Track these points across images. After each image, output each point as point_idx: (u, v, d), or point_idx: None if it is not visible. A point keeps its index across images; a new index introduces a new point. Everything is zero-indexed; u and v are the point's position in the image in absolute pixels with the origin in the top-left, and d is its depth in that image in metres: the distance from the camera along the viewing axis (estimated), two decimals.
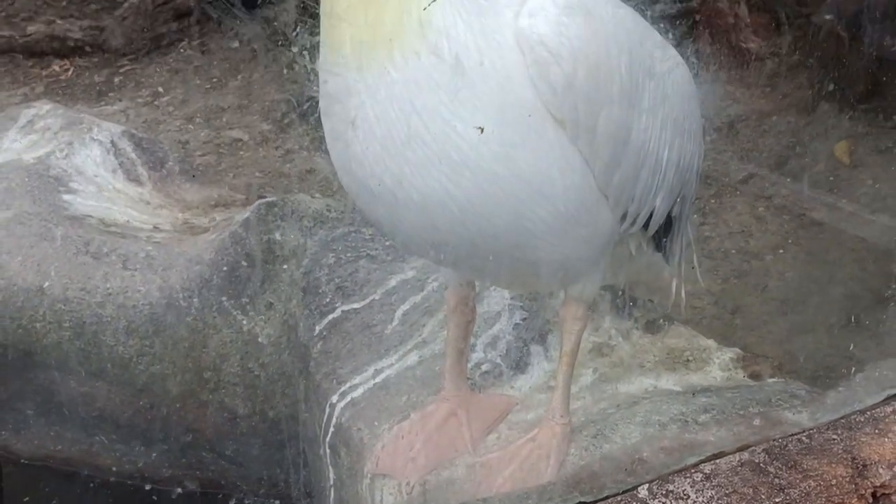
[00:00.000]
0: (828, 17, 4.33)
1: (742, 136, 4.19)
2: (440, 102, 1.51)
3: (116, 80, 5.56)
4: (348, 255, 2.80)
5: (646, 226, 1.90)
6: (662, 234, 2.05)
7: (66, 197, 3.26)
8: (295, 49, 5.35)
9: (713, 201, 3.89)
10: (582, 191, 1.66)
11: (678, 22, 4.68)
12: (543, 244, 1.68)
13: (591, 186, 1.67)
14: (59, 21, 5.97)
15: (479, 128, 1.50)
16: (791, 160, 4.08)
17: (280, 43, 5.49)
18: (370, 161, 1.58)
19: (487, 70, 1.52)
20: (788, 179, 4.00)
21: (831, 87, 4.28)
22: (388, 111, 1.53)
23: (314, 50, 4.95)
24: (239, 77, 5.41)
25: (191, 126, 5.02)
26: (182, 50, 5.68)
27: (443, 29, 1.48)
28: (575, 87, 1.56)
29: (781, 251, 3.70)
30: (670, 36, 4.61)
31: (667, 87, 1.76)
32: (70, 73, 5.71)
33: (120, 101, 5.36)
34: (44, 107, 3.69)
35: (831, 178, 4.00)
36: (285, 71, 5.33)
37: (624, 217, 1.80)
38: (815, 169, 4.02)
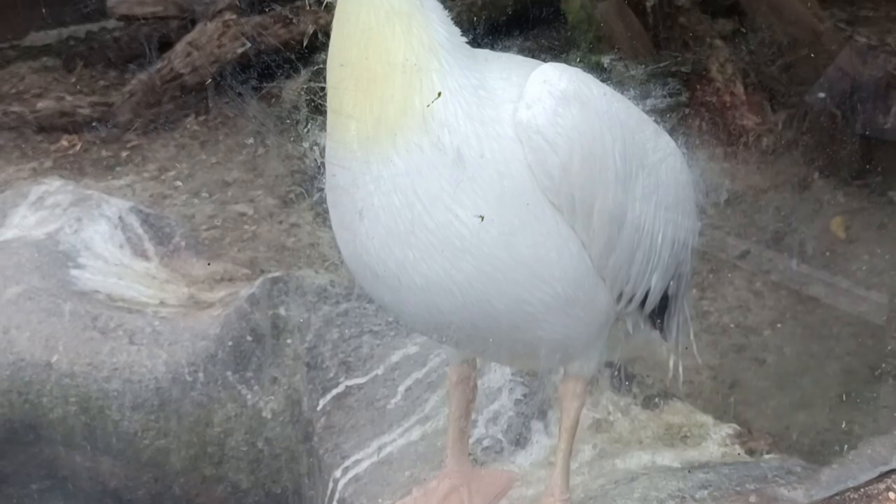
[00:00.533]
0: (820, 95, 4.44)
1: (739, 212, 4.27)
2: (442, 191, 1.57)
3: (124, 154, 5.67)
4: (352, 330, 2.84)
5: (642, 304, 1.95)
6: (659, 311, 2.10)
7: (74, 272, 3.32)
8: (299, 126, 5.47)
9: (711, 276, 3.95)
10: (579, 273, 1.71)
11: (676, 100, 4.80)
12: (543, 325, 1.73)
13: (588, 269, 1.73)
14: (68, 97, 6.11)
15: (480, 216, 1.56)
16: (787, 236, 4.15)
17: (285, 119, 5.61)
18: (376, 247, 1.64)
19: (488, 160, 1.59)
20: (785, 255, 4.07)
21: (825, 163, 4.37)
22: (393, 200, 1.59)
23: (317, 127, 5.07)
24: (244, 152, 5.52)
25: (196, 200, 5.11)
26: (188, 125, 5.80)
27: (445, 122, 1.56)
28: (571, 175, 1.62)
29: (779, 326, 3.74)
30: (668, 114, 4.74)
31: (660, 173, 1.83)
32: (78, 147, 5.82)
33: (127, 175, 5.45)
34: (54, 183, 3.76)
35: (827, 254, 4.07)
36: (290, 146, 5.44)
37: (620, 297, 1.85)
38: (812, 244, 4.08)
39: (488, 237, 1.60)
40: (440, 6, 1.65)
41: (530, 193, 1.62)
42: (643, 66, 4.92)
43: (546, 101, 1.61)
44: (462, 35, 1.67)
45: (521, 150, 1.61)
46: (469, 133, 1.57)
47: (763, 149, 4.52)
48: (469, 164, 1.57)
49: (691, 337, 2.30)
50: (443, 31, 1.60)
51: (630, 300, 1.88)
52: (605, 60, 4.88)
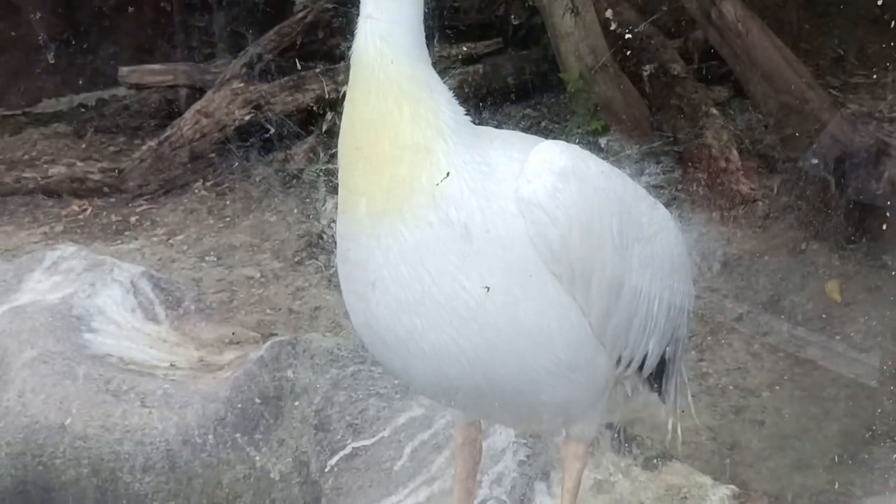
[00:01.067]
0: (813, 161, 4.56)
1: (736, 276, 4.36)
2: (449, 264, 1.67)
3: (133, 219, 5.78)
4: (358, 392, 2.92)
5: (640, 368, 2.03)
6: (657, 374, 2.18)
7: (87, 336, 3.40)
8: (304, 191, 5.59)
9: (710, 338, 4.03)
10: (580, 339, 1.80)
11: (673, 168, 4.92)
12: (545, 389, 1.81)
13: (588, 335, 1.81)
14: (79, 163, 6.24)
15: (486, 287, 1.65)
16: (784, 299, 4.23)
17: (290, 184, 5.74)
18: (386, 316, 1.73)
19: (492, 234, 1.68)
20: (782, 317, 4.15)
21: (820, 228, 4.47)
22: (402, 272, 1.68)
23: (321, 192, 5.17)
24: (251, 216, 5.62)
25: (204, 264, 5.21)
26: (197, 190, 5.92)
27: (451, 199, 1.65)
28: (571, 247, 1.72)
29: (777, 387, 3.81)
30: (665, 185, 4.85)
31: (655, 244, 1.92)
32: (88, 212, 5.93)
33: (136, 239, 5.56)
34: (68, 249, 3.85)
35: (823, 316, 4.15)
36: (295, 211, 5.56)
37: (619, 361, 1.94)
38: (808, 307, 4.16)
39: (493, 307, 1.69)
40: (445, 88, 1.76)
41: (532, 265, 1.71)
42: (641, 135, 5.06)
43: (546, 177, 1.71)
44: (466, 114, 1.78)
45: (523, 223, 1.70)
46: (474, 208, 1.67)
47: (759, 213, 4.63)
48: (475, 238, 1.67)
49: (689, 399, 2.37)
50: (448, 111, 1.71)
51: (629, 364, 1.96)
52: (603, 129, 5.03)
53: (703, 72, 5.91)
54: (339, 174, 1.78)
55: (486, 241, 1.68)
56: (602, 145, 5.22)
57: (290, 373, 3.14)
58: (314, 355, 3.18)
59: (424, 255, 1.67)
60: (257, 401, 3.08)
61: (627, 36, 5.29)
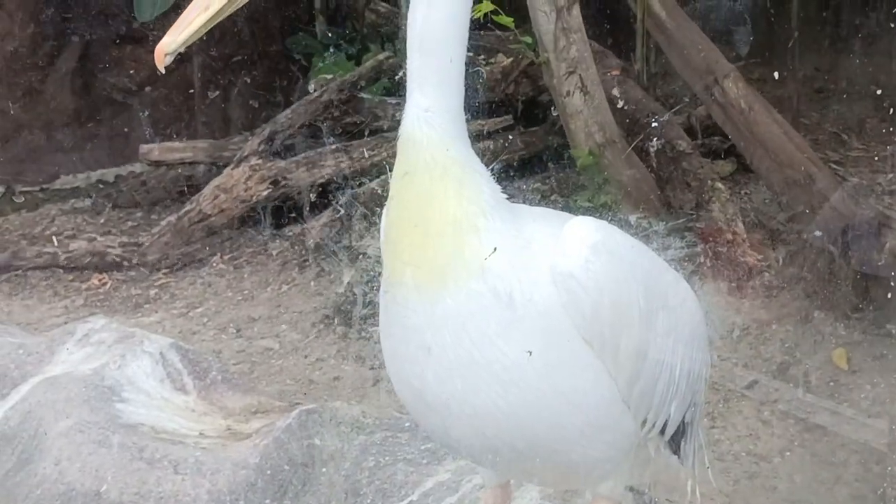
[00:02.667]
0: (817, 233, 4.71)
1: (745, 345, 4.47)
2: (490, 331, 1.80)
3: (152, 292, 5.91)
4: (386, 458, 3.03)
5: (663, 430, 2.14)
6: (677, 437, 2.30)
7: (119, 406, 3.51)
8: (321, 264, 5.73)
9: (721, 406, 4.13)
10: (609, 401, 1.92)
11: (681, 240, 5.07)
12: (576, 447, 1.92)
13: (616, 397, 1.93)
14: (99, 238, 6.39)
15: (529, 352, 1.78)
16: (792, 367, 4.35)
17: (307, 258, 5.88)
18: (429, 379, 1.86)
19: (530, 303, 1.81)
20: (791, 385, 4.25)
21: (825, 298, 4.60)
22: (446, 337, 1.81)
23: (340, 265, 5.29)
24: (269, 289, 5.75)
25: (224, 336, 5.32)
26: (215, 264, 6.06)
27: (492, 271, 1.79)
28: (601, 315, 1.85)
29: (788, 453, 3.90)
30: (674, 253, 4.98)
31: (678, 314, 2.05)
32: (108, 286, 6.06)
33: (156, 312, 5.68)
34: (99, 321, 3.99)
35: (831, 384, 4.26)
36: (312, 284, 5.69)
37: (644, 423, 2.05)
38: (815, 375, 4.28)
39: (532, 371, 1.82)
40: (484, 168, 1.91)
41: (566, 332, 1.84)
42: (649, 209, 5.22)
43: (579, 250, 1.85)
44: (502, 192, 1.93)
45: (558, 293, 1.83)
46: (513, 279, 1.81)
47: (766, 284, 4.76)
48: (513, 307, 1.80)
49: (706, 461, 2.48)
50: (488, 190, 1.86)
51: (652, 426, 2.08)
52: (612, 203, 5.18)
53: (709, 146, 6.12)
54: (385, 246, 1.92)
55: (523, 310, 1.81)
56: (609, 219, 5.38)
57: (317, 440, 3.25)
58: (340, 423, 3.29)
59: (467, 322, 1.80)
60: (286, 467, 3.18)
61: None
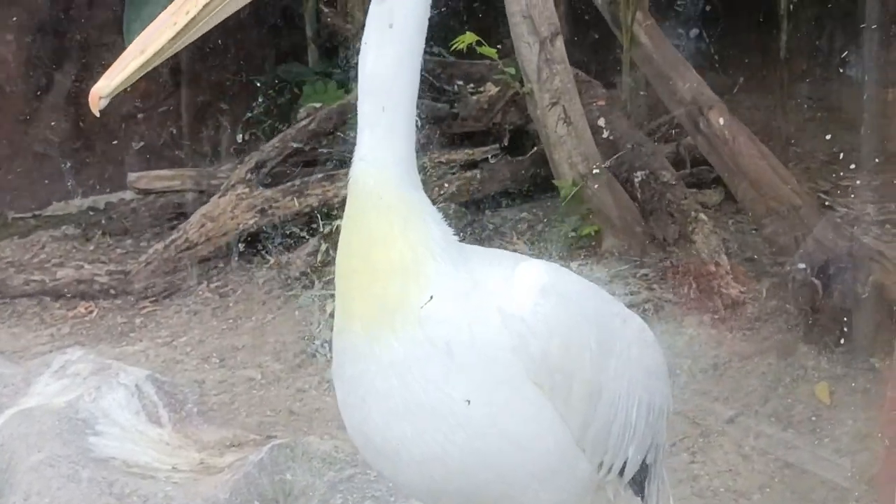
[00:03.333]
0: (800, 266, 4.69)
1: (726, 378, 4.45)
2: (437, 376, 1.78)
3: (138, 321, 5.89)
4: (355, 496, 3.01)
5: (622, 472, 2.12)
6: (639, 478, 2.27)
7: (92, 439, 3.50)
8: (305, 295, 5.72)
9: (701, 440, 4.10)
10: (561, 445, 1.90)
11: (664, 270, 5.07)
12: (528, 492, 1.90)
13: (568, 441, 1.91)
14: (86, 266, 6.38)
15: (467, 400, 1.77)
16: (773, 401, 4.32)
17: (292, 287, 5.86)
18: (377, 424, 1.84)
19: (477, 347, 1.80)
20: (772, 419, 4.22)
21: (808, 330, 4.58)
22: (393, 381, 1.80)
23: (322, 297, 5.28)
24: (253, 318, 5.73)
25: (206, 366, 5.30)
26: (201, 293, 6.04)
27: (436, 316, 1.78)
28: (550, 358, 1.83)
29: (768, 490, 3.86)
30: (655, 283, 4.96)
31: (632, 354, 2.04)
32: (95, 314, 6.04)
33: (140, 341, 5.65)
34: (76, 352, 3.99)
35: (813, 419, 4.23)
36: (296, 314, 5.67)
37: (601, 466, 2.03)
38: (797, 409, 4.25)
39: (478, 415, 1.80)
40: (436, 211, 1.89)
41: (516, 376, 1.82)
42: (633, 240, 5.21)
43: (528, 293, 1.84)
44: (455, 234, 1.92)
45: (508, 336, 1.82)
46: (461, 324, 1.80)
47: (748, 316, 4.74)
48: (460, 352, 1.79)
49: (670, 502, 2.45)
50: (438, 234, 1.84)
51: (609, 469, 2.06)
52: (595, 234, 5.19)
53: (697, 176, 6.12)
54: (337, 289, 1.91)
55: (472, 355, 1.80)
56: (596, 250, 5.39)
57: (288, 475, 3.24)
58: (312, 458, 3.28)
59: (414, 368, 1.79)
60: (256, 503, 3.16)
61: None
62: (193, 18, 1.61)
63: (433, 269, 1.79)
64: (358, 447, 1.97)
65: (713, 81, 5.92)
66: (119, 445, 3.51)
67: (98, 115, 1.55)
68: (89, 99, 1.54)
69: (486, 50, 5.06)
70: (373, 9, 1.81)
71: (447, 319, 1.79)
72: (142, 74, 1.60)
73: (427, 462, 1.84)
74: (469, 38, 4.90)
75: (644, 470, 2.26)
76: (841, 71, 6.68)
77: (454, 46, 5.05)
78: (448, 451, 1.82)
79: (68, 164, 7.60)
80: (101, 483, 3.23)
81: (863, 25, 5.57)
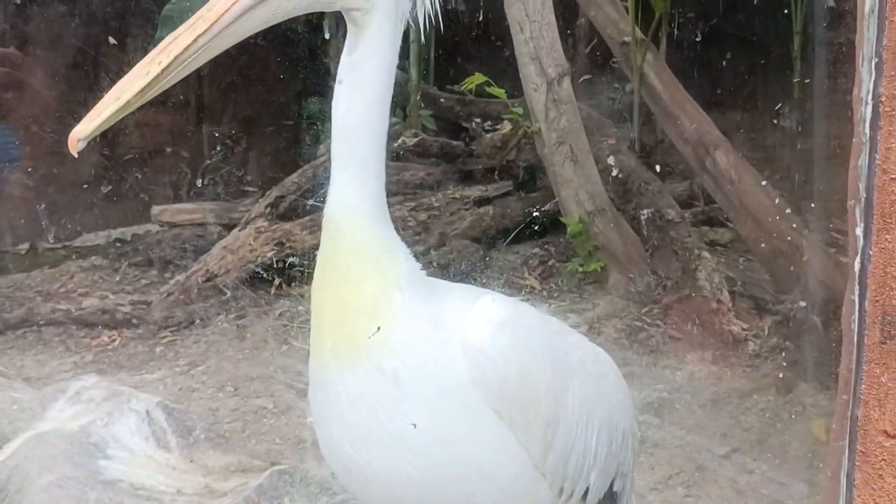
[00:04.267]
0: (802, 304, 4.77)
1: (724, 414, 4.52)
2: (399, 402, 1.90)
3: (158, 349, 6.06)
4: None
5: (584, 497, 2.22)
6: None
7: (102, 462, 3.64)
8: None
9: (696, 474, 4.17)
10: (520, 471, 2.01)
11: (666, 306, 5.16)
12: None
13: (527, 466, 2.02)
14: (111, 296, 6.59)
15: (413, 424, 1.88)
16: (771, 437, 4.38)
17: (306, 319, 6.00)
18: (346, 446, 1.96)
19: (439, 376, 1.91)
20: (769, 455, 4.29)
21: (808, 367, 4.65)
22: (360, 407, 1.92)
23: None
24: (268, 349, 5.89)
25: (221, 394, 5.45)
26: (219, 323, 6.21)
27: (399, 347, 1.90)
28: (508, 387, 1.95)
29: None
30: (658, 318, 5.05)
31: (590, 386, 2.14)
32: (117, 343, 6.23)
33: (159, 370, 5.81)
34: (90, 379, 4.14)
35: (809, 455, 4.28)
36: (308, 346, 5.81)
37: (561, 492, 2.14)
38: (793, 445, 4.31)
39: (439, 440, 1.92)
40: (404, 247, 2.02)
41: (476, 404, 1.94)
42: (637, 276, 5.32)
43: (486, 326, 1.96)
44: (422, 269, 2.04)
45: (468, 367, 1.94)
46: (426, 356, 1.91)
47: (749, 353, 4.81)
48: (420, 381, 1.90)
49: None
50: (406, 268, 1.97)
51: (571, 494, 2.16)
52: (601, 269, 5.29)
53: (707, 214, 6.22)
54: (312, 320, 2.04)
55: (432, 383, 1.92)
56: (603, 285, 5.50)
57: (286, 500, 3.35)
58: (310, 484, 3.40)
59: (378, 394, 1.91)
60: None
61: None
62: (165, 68, 1.76)
63: (399, 305, 1.91)
64: (331, 468, 2.10)
65: (722, 121, 6.04)
66: (127, 469, 3.64)
67: (76, 155, 1.70)
68: (68, 141, 1.69)
69: (495, 90, 5.22)
70: (343, 59, 1.96)
71: (412, 352, 1.92)
72: (117, 119, 1.75)
73: (392, 484, 1.96)
74: (478, 78, 5.06)
75: (613, 499, 2.36)
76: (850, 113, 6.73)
77: (464, 86, 5.21)
78: (411, 475, 1.93)
79: (97, 197, 7.83)
80: None
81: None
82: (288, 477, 3.38)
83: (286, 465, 3.49)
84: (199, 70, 1.87)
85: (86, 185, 7.83)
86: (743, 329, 4.87)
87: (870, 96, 1.80)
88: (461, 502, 2.00)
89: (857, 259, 1.89)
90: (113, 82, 1.76)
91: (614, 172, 5.76)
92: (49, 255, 7.70)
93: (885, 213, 1.84)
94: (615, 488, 2.34)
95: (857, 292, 1.91)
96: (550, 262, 6.09)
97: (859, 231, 1.86)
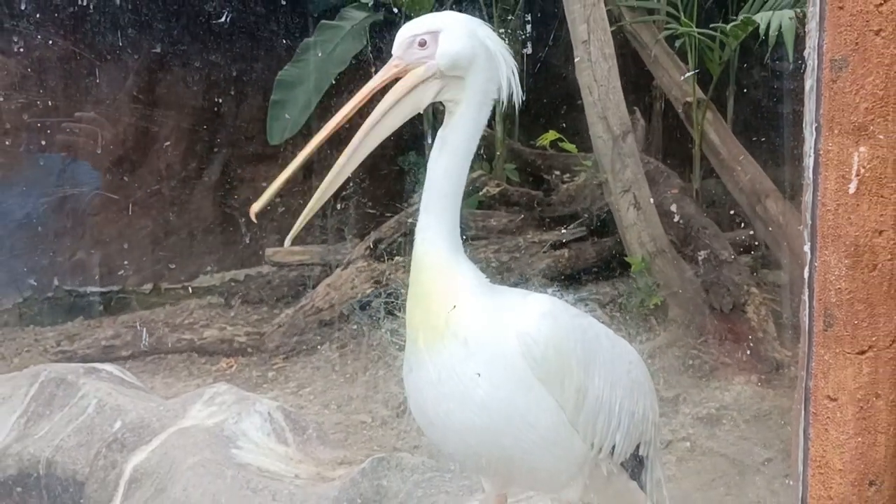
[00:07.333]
0: None
1: (766, 427, 5.11)
2: (471, 370, 2.61)
3: (270, 374, 6.90)
4: (432, 490, 3.84)
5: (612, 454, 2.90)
6: (638, 471, 3.05)
7: (233, 451, 4.43)
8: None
9: (737, 477, 4.78)
10: (557, 425, 2.69)
11: (719, 336, 5.78)
12: (534, 458, 2.70)
13: (563, 422, 2.70)
14: (228, 328, 7.45)
15: (478, 373, 2.60)
16: None
17: (401, 348, 6.75)
18: (431, 404, 2.68)
19: (498, 353, 2.61)
20: None
21: None
22: (441, 373, 2.64)
23: None
24: (367, 373, 6.66)
25: (326, 411, 6.24)
26: (324, 351, 7.02)
27: (472, 332, 2.59)
28: (547, 360, 2.64)
29: None
30: (713, 346, 5.64)
31: (615, 365, 2.81)
32: (234, 368, 7.09)
33: (272, 391, 6.63)
34: (222, 387, 4.96)
35: None
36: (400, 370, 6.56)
37: (592, 445, 2.82)
38: None
39: (498, 398, 2.62)
40: (472, 265, 2.71)
41: (524, 373, 2.64)
42: (694, 310, 5.95)
43: (532, 315, 2.67)
44: (486, 278, 2.78)
45: (518, 345, 2.66)
46: (489, 338, 2.62)
47: (791, 376, 5.40)
48: (487, 356, 2.61)
49: (664, 493, 3.20)
50: (474, 280, 2.69)
51: (600, 449, 2.84)
52: (661, 304, 5.94)
53: (766, 258, 6.82)
54: (407, 321, 2.77)
55: (494, 358, 2.64)
56: (664, 318, 6.14)
57: (384, 481, 4.09)
58: (404, 469, 4.13)
59: (456, 367, 2.63)
60: (358, 500, 4.02)
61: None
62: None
63: (468, 297, 2.66)
64: (419, 423, 2.83)
65: (777, 173, 6.65)
66: (254, 457, 4.42)
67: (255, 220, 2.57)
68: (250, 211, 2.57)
69: (567, 145, 5.96)
70: (440, 131, 2.73)
71: (479, 335, 2.65)
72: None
73: (464, 432, 2.67)
74: (552, 135, 5.80)
75: (640, 462, 3.04)
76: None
77: (539, 142, 5.96)
78: (477, 424, 2.65)
79: (215, 242, 8.76)
80: (241, 480, 4.14)
81: None
82: (386, 463, 4.12)
83: (385, 454, 4.22)
84: None
85: (203, 231, 8.76)
86: (786, 356, 5.45)
87: (811, 150, 2.48)
88: (512, 445, 2.69)
89: (807, 269, 2.53)
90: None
91: (676, 218, 6.43)
92: (170, 295, 8.62)
93: (824, 235, 2.48)
94: (641, 453, 3.02)
95: (807, 294, 2.56)
96: (620, 300, 6.75)
97: (807, 248, 2.50)
